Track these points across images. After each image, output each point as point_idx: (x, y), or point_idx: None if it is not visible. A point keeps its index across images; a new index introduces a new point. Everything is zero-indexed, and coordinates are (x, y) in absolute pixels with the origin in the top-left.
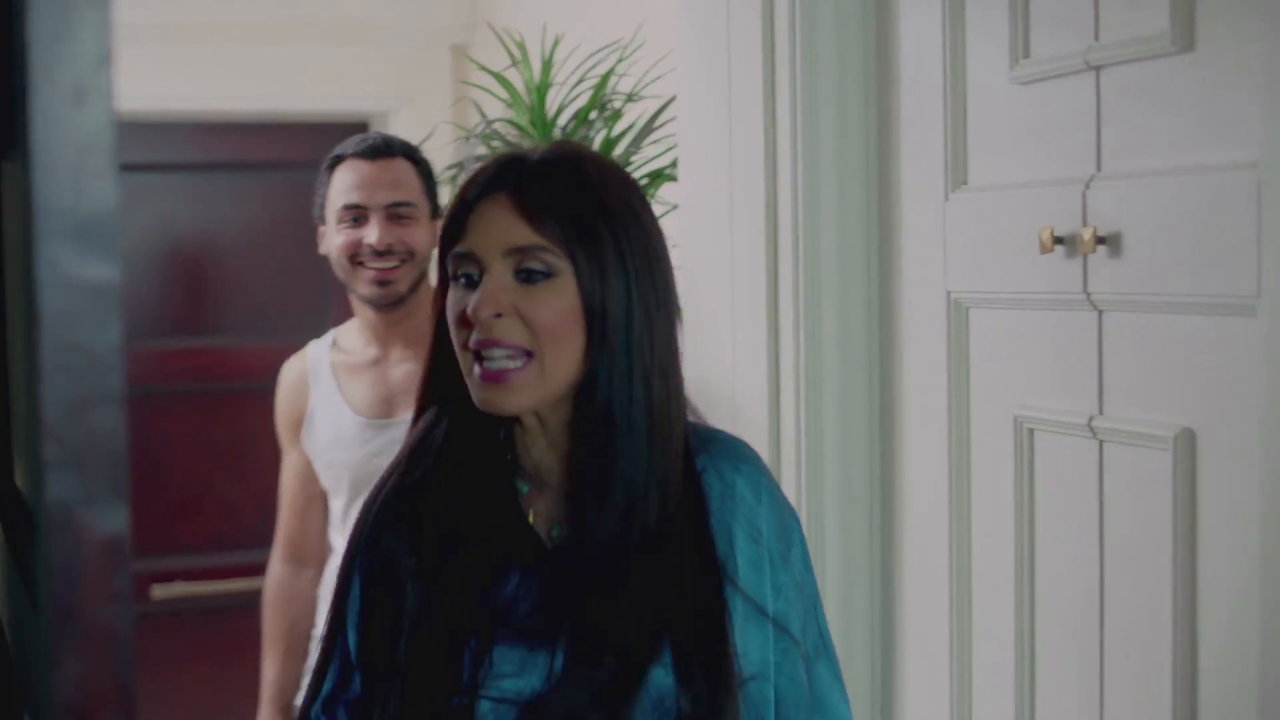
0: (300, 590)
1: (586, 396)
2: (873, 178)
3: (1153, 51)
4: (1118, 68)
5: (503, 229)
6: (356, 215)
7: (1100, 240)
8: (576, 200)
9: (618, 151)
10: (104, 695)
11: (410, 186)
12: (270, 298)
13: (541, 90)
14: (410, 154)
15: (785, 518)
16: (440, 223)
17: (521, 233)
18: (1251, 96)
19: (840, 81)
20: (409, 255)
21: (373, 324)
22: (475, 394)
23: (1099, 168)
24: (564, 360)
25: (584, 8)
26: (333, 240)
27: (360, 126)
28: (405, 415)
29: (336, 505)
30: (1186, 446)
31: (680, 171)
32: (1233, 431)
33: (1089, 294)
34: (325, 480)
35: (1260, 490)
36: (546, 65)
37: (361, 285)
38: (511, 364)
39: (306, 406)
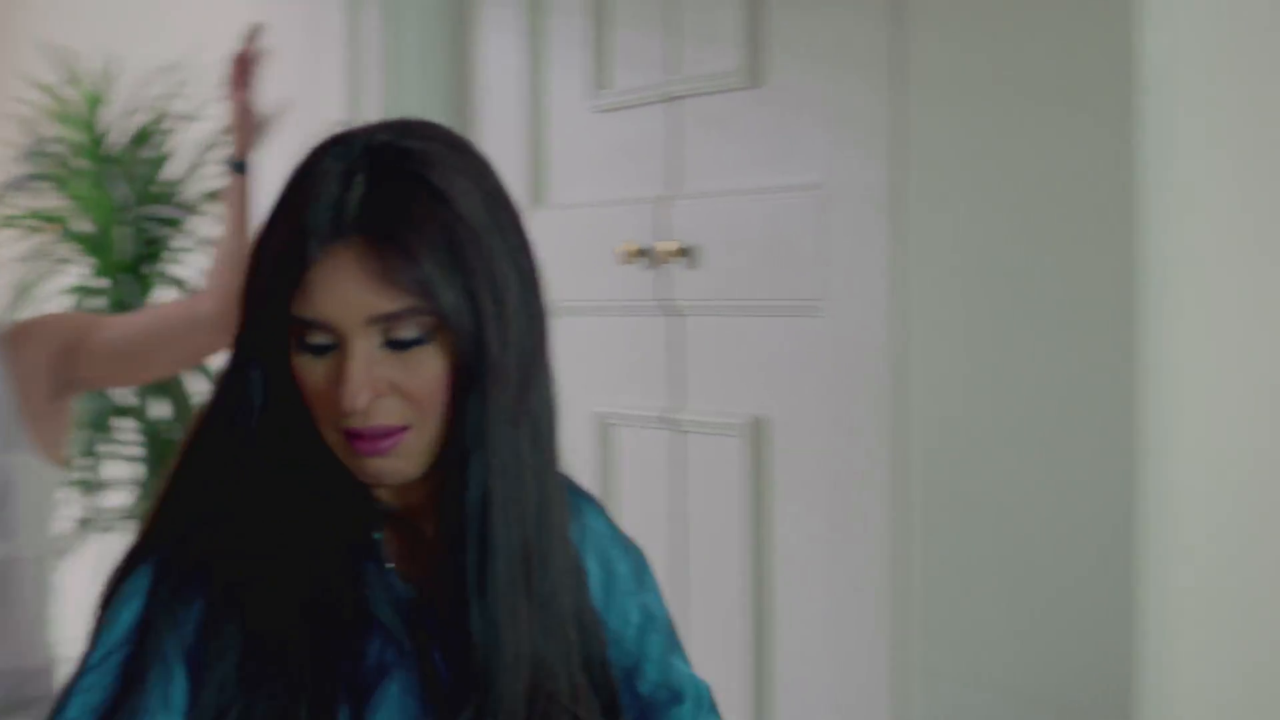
0: None
1: (457, 450)
2: None
3: (726, 86)
4: (694, 99)
5: (363, 295)
6: None
7: (679, 253)
8: (440, 231)
9: (173, 173)
10: None
11: None
12: None
13: (94, 105)
14: None
15: (637, 556)
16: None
17: (387, 297)
18: (815, 127)
19: (423, 109)
20: None
21: None
22: (356, 467)
23: (678, 188)
24: (442, 419)
25: (132, 30)
26: None
27: None
28: None
29: None
30: (758, 433)
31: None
32: (800, 418)
33: (669, 301)
34: None
35: (824, 469)
36: (105, 80)
37: None
38: (389, 438)
39: None
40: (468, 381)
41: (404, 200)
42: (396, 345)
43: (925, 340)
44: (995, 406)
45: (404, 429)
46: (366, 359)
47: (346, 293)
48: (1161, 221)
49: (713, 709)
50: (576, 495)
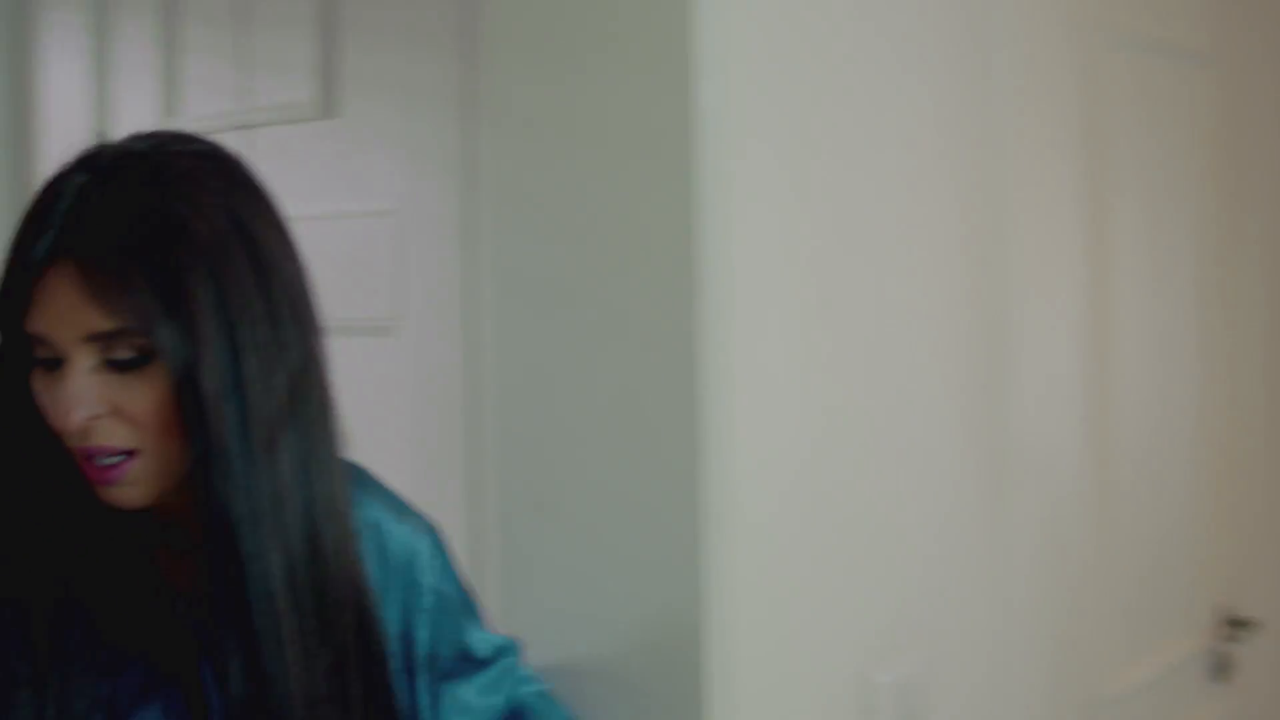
0: None
1: (202, 488)
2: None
3: (299, 116)
4: (268, 129)
5: (76, 312)
6: None
7: None
8: (161, 253)
9: None
10: None
11: None
12: None
13: None
14: None
15: (425, 536)
16: None
17: (98, 317)
18: (389, 157)
19: None
20: None
21: None
22: (97, 491)
23: None
24: (176, 442)
25: None
26: None
27: None
28: None
29: None
30: None
31: None
32: (376, 434)
33: None
34: None
35: (400, 482)
36: None
37: None
38: (115, 462)
39: None
40: (188, 407)
41: (131, 219)
42: (116, 365)
43: (499, 358)
44: (566, 417)
45: (130, 453)
46: (83, 378)
47: (61, 308)
48: (717, 245)
49: (517, 664)
50: (361, 489)
